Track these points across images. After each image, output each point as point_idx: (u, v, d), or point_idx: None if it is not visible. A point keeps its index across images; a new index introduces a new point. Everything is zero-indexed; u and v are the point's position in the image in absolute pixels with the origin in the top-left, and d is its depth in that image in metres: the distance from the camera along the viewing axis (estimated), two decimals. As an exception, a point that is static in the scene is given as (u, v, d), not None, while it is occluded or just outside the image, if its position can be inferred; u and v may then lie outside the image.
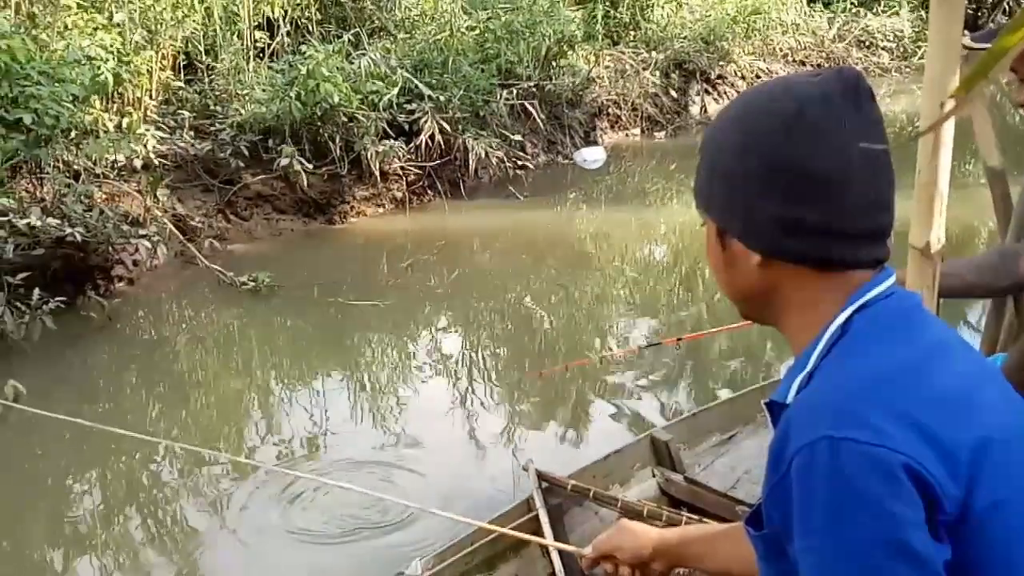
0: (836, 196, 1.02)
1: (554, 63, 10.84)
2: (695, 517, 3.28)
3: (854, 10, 17.21)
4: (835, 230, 1.03)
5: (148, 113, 8.10)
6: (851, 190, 1.02)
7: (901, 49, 16.79)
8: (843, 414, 0.93)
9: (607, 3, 12.57)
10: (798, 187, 1.02)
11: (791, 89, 1.05)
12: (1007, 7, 20.90)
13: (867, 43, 16.83)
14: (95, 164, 7.10)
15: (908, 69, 16.25)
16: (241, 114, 8.21)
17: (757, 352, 5.63)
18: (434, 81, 9.24)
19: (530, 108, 10.09)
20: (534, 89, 10.28)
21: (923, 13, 15.90)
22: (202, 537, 4.05)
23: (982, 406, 0.97)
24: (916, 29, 16.93)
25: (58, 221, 6.04)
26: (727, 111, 1.12)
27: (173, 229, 7.19)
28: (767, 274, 1.07)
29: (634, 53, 12.40)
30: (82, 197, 6.55)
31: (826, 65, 15.93)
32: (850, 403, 0.94)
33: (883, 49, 16.80)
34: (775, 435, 1.01)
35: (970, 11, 14.90)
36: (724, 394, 4.72)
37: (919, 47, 16.50)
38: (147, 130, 7.54)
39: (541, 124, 10.30)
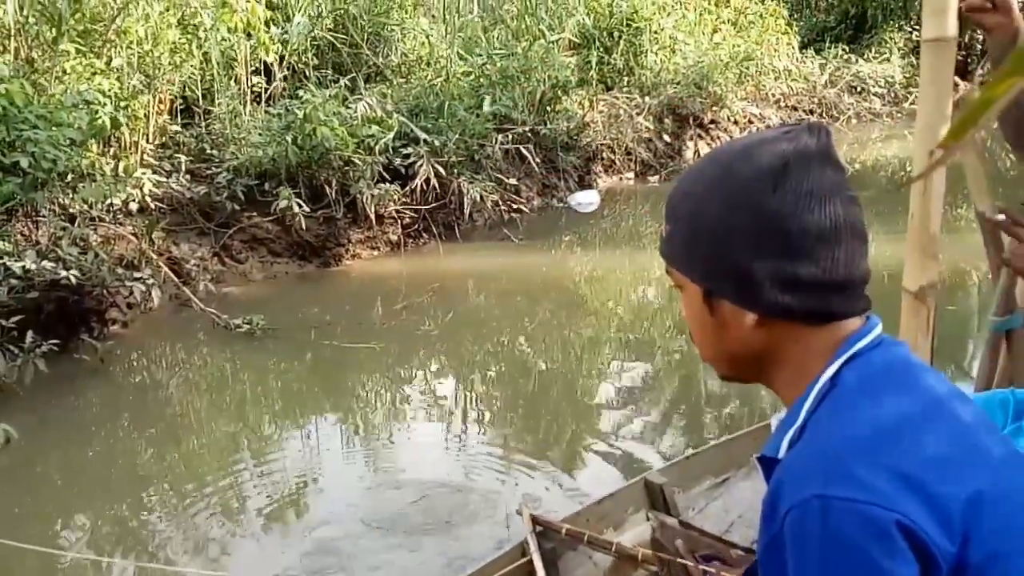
0: (828, 248, 1.02)
1: (549, 108, 10.93)
2: (690, 563, 3.26)
3: (845, 56, 17.42)
4: (830, 282, 1.03)
5: (145, 156, 8.16)
6: (840, 241, 1.03)
7: (892, 94, 16.98)
8: (833, 472, 0.92)
9: (601, 49, 12.71)
10: (793, 243, 1.02)
11: (770, 146, 1.04)
12: (996, 54, 21.15)
13: (858, 88, 17.01)
14: (91, 207, 7.13)
15: (899, 114, 16.41)
16: (237, 157, 8.26)
17: (752, 394, 5.62)
18: (430, 125, 9.32)
19: (525, 152, 10.16)
20: (529, 133, 10.36)
21: (914, 59, 16.10)
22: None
23: (976, 459, 0.96)
24: (907, 75, 17.14)
25: (53, 264, 6.04)
26: (698, 174, 1.11)
27: (168, 272, 7.20)
28: (760, 333, 1.06)
29: (628, 98, 12.51)
30: (77, 240, 6.57)
31: (818, 111, 16.14)
32: (840, 460, 0.93)
33: (874, 95, 16.99)
34: (768, 491, 0.99)
35: (960, 57, 15.08)
36: (718, 436, 4.71)
37: (910, 92, 16.70)
38: (144, 173, 7.59)
39: (536, 168, 10.37)
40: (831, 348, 1.04)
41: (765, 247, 1.02)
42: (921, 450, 0.94)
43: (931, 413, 0.99)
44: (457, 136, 9.27)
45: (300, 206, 8.03)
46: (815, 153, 1.03)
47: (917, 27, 18.68)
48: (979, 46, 20.12)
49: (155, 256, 7.23)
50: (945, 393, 1.04)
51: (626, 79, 12.98)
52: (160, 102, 8.60)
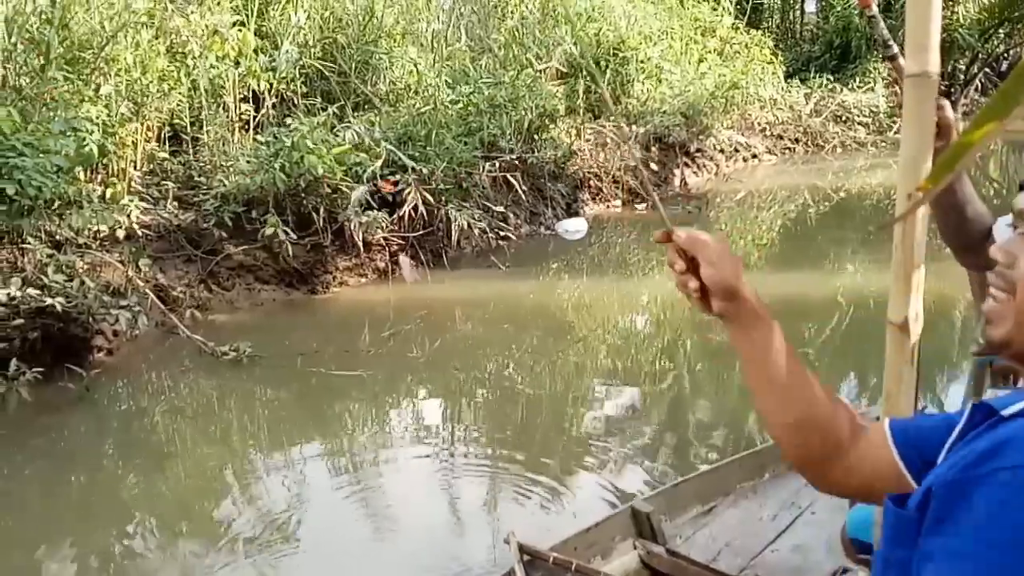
0: None
1: (536, 136, 11.00)
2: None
3: (830, 86, 17.60)
4: None
5: (132, 184, 8.16)
6: None
7: (876, 124, 17.15)
8: None
9: (588, 78, 12.82)
10: None
11: None
12: (979, 84, 21.42)
13: (843, 118, 17.18)
14: (78, 234, 7.11)
15: (884, 143, 16.56)
16: (225, 185, 8.27)
17: (738, 422, 5.62)
18: (417, 153, 9.35)
19: (512, 180, 10.21)
20: (517, 161, 10.41)
21: (898, 89, 16.30)
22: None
23: None
24: (891, 104, 17.32)
25: (38, 291, 6.03)
26: None
27: (154, 299, 7.18)
28: None
29: (615, 127, 12.60)
30: (63, 267, 6.55)
31: (804, 140, 16.28)
32: None
33: (859, 124, 17.15)
34: (981, 440, 0.98)
35: (943, 87, 15.22)
36: (704, 464, 4.71)
37: (894, 121, 16.86)
38: (131, 200, 7.59)
39: (523, 195, 10.41)
40: None
41: None
42: None
43: None
44: (445, 164, 9.31)
45: (287, 233, 8.04)
46: None
47: (901, 57, 18.87)
48: (962, 76, 20.38)
49: (141, 283, 7.21)
50: None
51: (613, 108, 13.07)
52: (148, 129, 8.62)
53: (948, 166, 0.50)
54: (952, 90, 19.08)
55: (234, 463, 5.47)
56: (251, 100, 9.54)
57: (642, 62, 13.59)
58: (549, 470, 5.10)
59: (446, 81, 10.76)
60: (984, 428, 1.01)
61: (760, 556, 3.51)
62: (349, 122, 9.46)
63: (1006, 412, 1.00)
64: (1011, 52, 22.31)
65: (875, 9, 2.12)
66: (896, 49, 2.18)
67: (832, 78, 17.93)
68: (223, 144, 8.92)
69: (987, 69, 21.50)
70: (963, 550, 0.91)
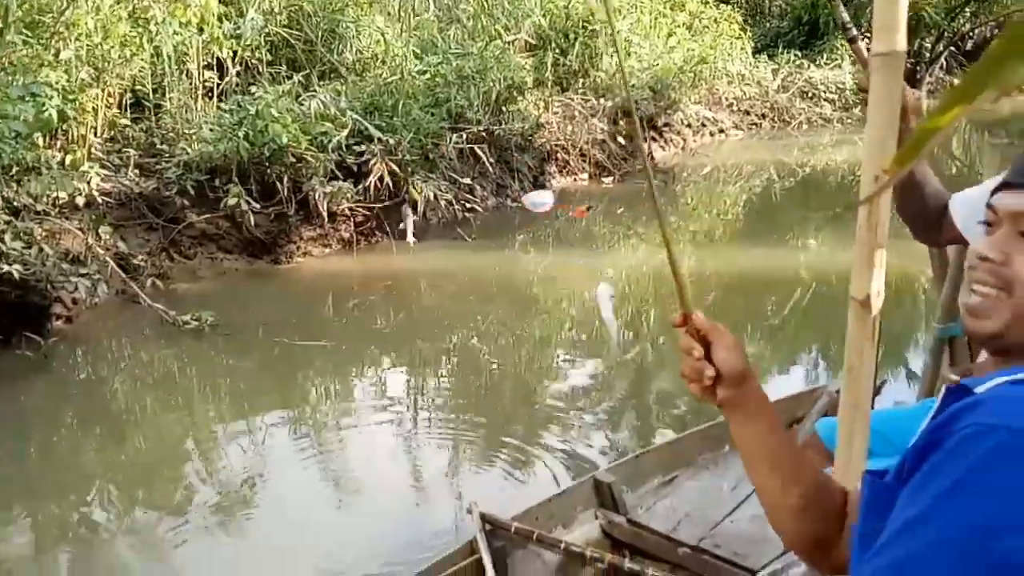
0: None
1: (504, 108, 10.94)
2: (638, 559, 3.29)
3: (798, 62, 17.66)
4: None
5: (93, 150, 8.03)
6: None
7: (843, 100, 17.23)
8: None
9: (557, 51, 12.76)
10: None
11: None
12: (945, 62, 21.60)
13: (810, 94, 17.26)
14: (36, 201, 6.99)
15: (849, 120, 16.67)
16: (188, 153, 8.16)
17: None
18: (384, 124, 9.28)
19: (479, 152, 10.16)
20: (484, 133, 10.36)
21: (866, 37, 16.34)
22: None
23: None
24: (856, 82, 17.40)
25: (-5, 258, 5.93)
26: None
27: (115, 267, 7.09)
28: None
29: (583, 100, 12.57)
30: (22, 234, 6.44)
31: (771, 115, 16.34)
32: None
33: (826, 100, 17.24)
34: (955, 407, 0.98)
35: (909, 64, 15.34)
36: (666, 435, 4.75)
37: (860, 98, 16.95)
38: (91, 167, 7.46)
39: (490, 168, 10.37)
40: None
41: None
42: None
43: None
44: (411, 135, 9.25)
45: (251, 203, 7.97)
46: None
47: (867, 35, 18.97)
48: (928, 54, 20.54)
49: (102, 251, 7.11)
50: None
51: (581, 81, 13.04)
52: (109, 95, 8.46)
53: (915, 149, 0.50)
54: (918, 68, 19.22)
55: (196, 432, 5.44)
56: (215, 67, 9.40)
57: (611, 36, 13.55)
58: (512, 441, 5.12)
59: (414, 51, 10.67)
60: (966, 400, 1.01)
61: (719, 526, 3.55)
62: (315, 91, 9.36)
63: (978, 389, 1.02)
64: (976, 31, 22.50)
65: None
66: (855, 32, 2.19)
67: (800, 54, 17.99)
68: (186, 111, 8.79)
69: (952, 47, 21.66)
70: (911, 496, 0.93)
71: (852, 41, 2.12)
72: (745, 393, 1.25)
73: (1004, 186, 1.09)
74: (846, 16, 2.08)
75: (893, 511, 0.98)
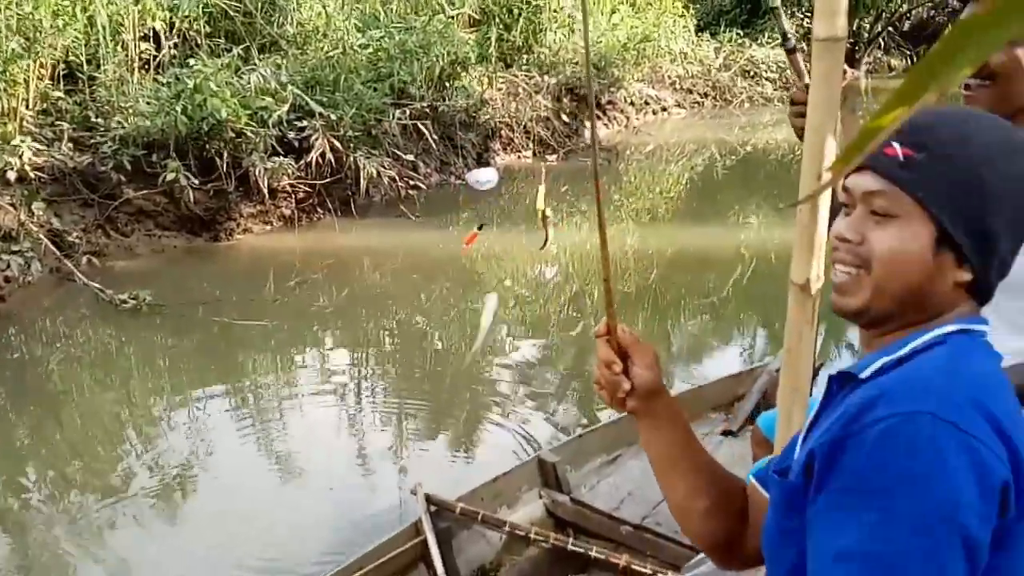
0: None
1: (448, 84, 10.87)
2: (582, 538, 3.32)
3: (740, 41, 17.78)
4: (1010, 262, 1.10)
5: (24, 123, 7.80)
6: None
7: (783, 79, 17.41)
8: (950, 403, 0.96)
9: (501, 26, 12.69)
10: None
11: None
12: (882, 42, 21.93)
13: (751, 73, 17.41)
14: (-35, 175, 6.79)
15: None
16: (124, 127, 7.97)
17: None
18: (325, 99, 9.16)
19: (423, 128, 10.09)
20: (427, 109, 10.28)
21: (803, 46, 16.54)
22: None
23: None
24: (792, 95, 17.58)
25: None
26: (967, 118, 1.14)
27: (49, 244, 6.92)
28: (954, 293, 1.09)
29: (527, 76, 12.53)
30: (-50, 210, 6.26)
31: (713, 94, 16.45)
32: (959, 396, 0.97)
33: (766, 79, 17.40)
34: (850, 400, 1.03)
35: (848, 43, 15.50)
36: (609, 415, 4.78)
37: (800, 79, 17.14)
38: (23, 141, 7.25)
39: (434, 144, 10.31)
40: (959, 314, 1.09)
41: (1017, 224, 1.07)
42: (1018, 420, 1.00)
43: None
44: (354, 110, 9.14)
45: (189, 178, 7.82)
46: None
47: (808, 14, 19.20)
48: (866, 35, 20.83)
49: (35, 227, 6.94)
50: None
51: (525, 57, 13.00)
52: (41, 67, 8.22)
53: (857, 149, 0.50)
54: (856, 49, 19.49)
55: (134, 413, 5.35)
56: (152, 39, 9.18)
57: (555, 11, 13.51)
58: (457, 420, 5.12)
59: (356, 25, 10.53)
60: (848, 392, 1.07)
61: (661, 505, 3.59)
62: (255, 65, 9.19)
63: (864, 375, 1.07)
64: (913, 12, 22.87)
65: (778, 2, 2.15)
66: (794, 43, 2.21)
67: (741, 33, 18.12)
68: (122, 84, 8.58)
69: (890, 28, 22.01)
70: (848, 502, 0.96)
71: (791, 52, 2.13)
72: (655, 405, 1.30)
73: (856, 169, 1.12)
74: (787, 26, 2.10)
75: (810, 503, 1.01)
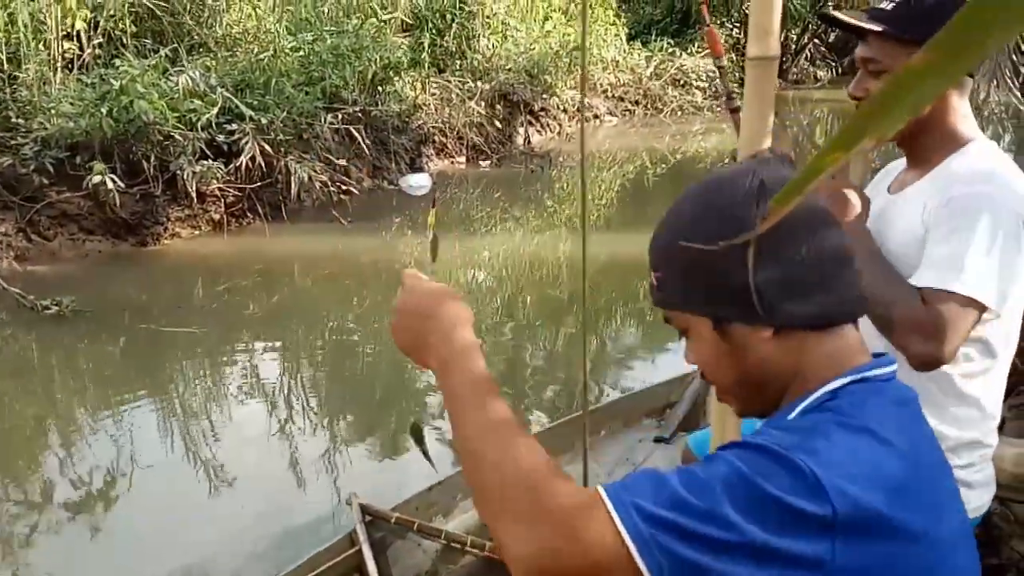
0: (815, 251, 1.06)
1: (380, 88, 10.81)
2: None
3: (670, 50, 18.00)
4: (827, 285, 1.07)
5: (-60, 123, 7.56)
6: (825, 244, 1.07)
7: (713, 88, 17.68)
8: (801, 448, 0.92)
9: (434, 31, 12.67)
10: (783, 250, 1.05)
11: (742, 175, 1.09)
12: (809, 53, 22.41)
13: (682, 82, 17.62)
14: None
15: (719, 108, 17.10)
16: (46, 128, 7.76)
17: (576, 380, 5.75)
18: (256, 102, 9.04)
19: (355, 133, 10.02)
20: (360, 114, 10.22)
21: (734, 56, 16.75)
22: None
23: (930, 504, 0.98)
24: (728, 70, 17.87)
25: None
26: (676, 215, 1.13)
27: (-34, 248, 6.71)
28: (775, 348, 1.08)
29: (460, 82, 12.53)
30: None
31: (644, 102, 16.65)
32: (814, 450, 0.92)
33: (697, 88, 17.64)
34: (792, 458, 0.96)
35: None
36: (541, 421, 4.80)
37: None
38: (-62, 141, 7.03)
39: (366, 149, 10.24)
40: (839, 359, 1.07)
41: (758, 259, 1.04)
42: (890, 487, 0.94)
43: (913, 456, 0.99)
44: (285, 114, 9.04)
45: (115, 181, 7.65)
46: (787, 173, 1.08)
47: (738, 24, 19.54)
48: (793, 46, 21.27)
49: (-48, 231, 6.72)
50: (926, 437, 1.06)
51: (459, 62, 12.99)
52: (-42, 65, 7.99)
53: (796, 191, 0.52)
54: (784, 59, 19.88)
55: (57, 422, 5.21)
56: (75, 38, 8.96)
57: (488, 17, 13.54)
58: (390, 429, 5.09)
59: (287, 27, 10.42)
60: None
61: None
62: (183, 66, 9.04)
63: (791, 417, 1.07)
64: (837, 25, 23.33)
65: (724, 60, 2.21)
66: (739, 103, 2.26)
67: (672, 42, 18.35)
68: (44, 84, 8.36)
69: (816, 40, 22.50)
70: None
71: (735, 111, 2.17)
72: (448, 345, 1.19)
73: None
74: (731, 86, 2.16)
75: None
